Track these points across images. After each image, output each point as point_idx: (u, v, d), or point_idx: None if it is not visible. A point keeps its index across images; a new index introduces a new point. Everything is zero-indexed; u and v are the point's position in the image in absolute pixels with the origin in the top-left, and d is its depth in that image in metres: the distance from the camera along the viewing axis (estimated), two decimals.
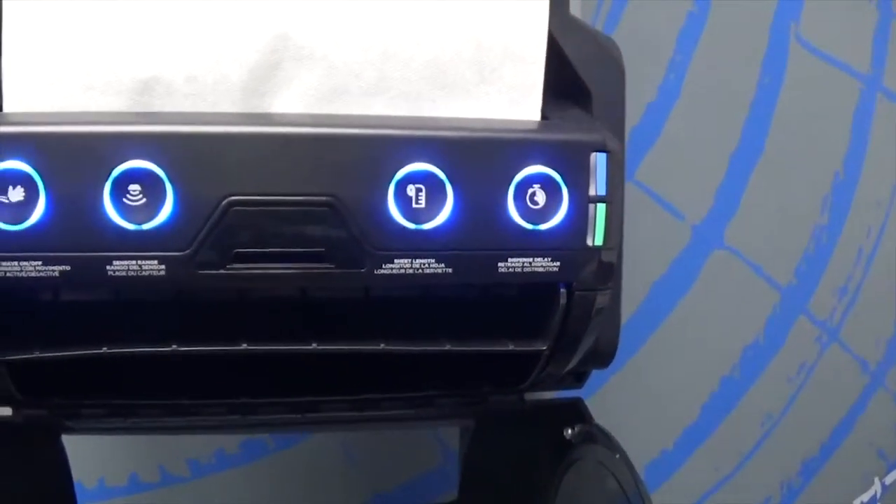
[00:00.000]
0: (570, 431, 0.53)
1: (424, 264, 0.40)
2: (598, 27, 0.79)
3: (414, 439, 0.82)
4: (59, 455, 0.53)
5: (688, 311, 0.87)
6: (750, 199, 0.86)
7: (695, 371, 0.89)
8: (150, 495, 0.78)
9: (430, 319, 0.44)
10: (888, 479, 0.94)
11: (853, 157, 0.88)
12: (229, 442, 0.78)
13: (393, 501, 0.83)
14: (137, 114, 0.40)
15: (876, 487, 0.93)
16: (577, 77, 0.46)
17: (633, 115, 0.79)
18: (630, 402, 0.83)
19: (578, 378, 0.52)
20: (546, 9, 0.42)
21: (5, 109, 0.40)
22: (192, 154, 0.38)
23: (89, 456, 0.73)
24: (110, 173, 0.38)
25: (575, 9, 0.48)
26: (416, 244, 0.40)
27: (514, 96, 0.42)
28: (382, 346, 0.43)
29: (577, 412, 0.53)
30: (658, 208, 0.84)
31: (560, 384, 0.52)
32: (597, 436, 0.52)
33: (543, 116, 0.43)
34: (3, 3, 0.40)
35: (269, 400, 0.50)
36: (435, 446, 0.83)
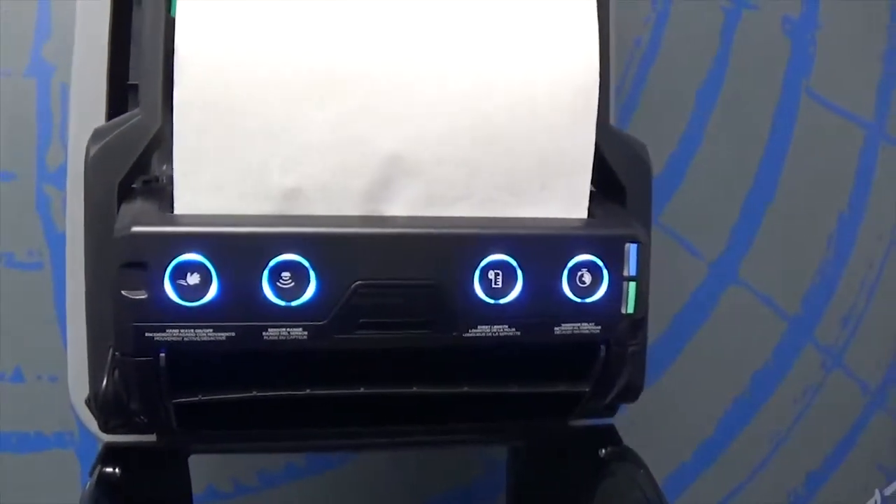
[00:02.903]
0: (604, 451, 0.68)
1: (499, 329, 0.56)
2: (627, 85, 0.95)
3: (458, 451, 0.97)
4: (185, 475, 0.70)
5: (705, 340, 1.02)
6: (762, 238, 1.01)
7: (711, 392, 1.04)
8: None
9: (497, 366, 0.60)
10: (887, 491, 1.07)
11: (857, 197, 1.03)
12: (298, 456, 0.94)
13: None
14: (287, 217, 0.55)
15: (876, 498, 1.06)
16: (614, 176, 0.62)
17: (658, 163, 0.92)
18: (653, 420, 0.96)
19: (611, 409, 0.68)
20: (593, 135, 0.59)
21: (176, 211, 0.53)
22: (330, 249, 0.54)
23: None
24: (268, 264, 0.52)
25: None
26: (494, 314, 0.56)
27: (567, 202, 0.59)
28: (466, 388, 0.59)
29: (610, 435, 0.70)
30: (679, 248, 0.99)
31: (596, 414, 0.68)
32: (626, 454, 0.68)
33: (589, 213, 0.60)
34: (175, 128, 0.54)
35: (373, 429, 0.67)
36: (477, 458, 0.98)
